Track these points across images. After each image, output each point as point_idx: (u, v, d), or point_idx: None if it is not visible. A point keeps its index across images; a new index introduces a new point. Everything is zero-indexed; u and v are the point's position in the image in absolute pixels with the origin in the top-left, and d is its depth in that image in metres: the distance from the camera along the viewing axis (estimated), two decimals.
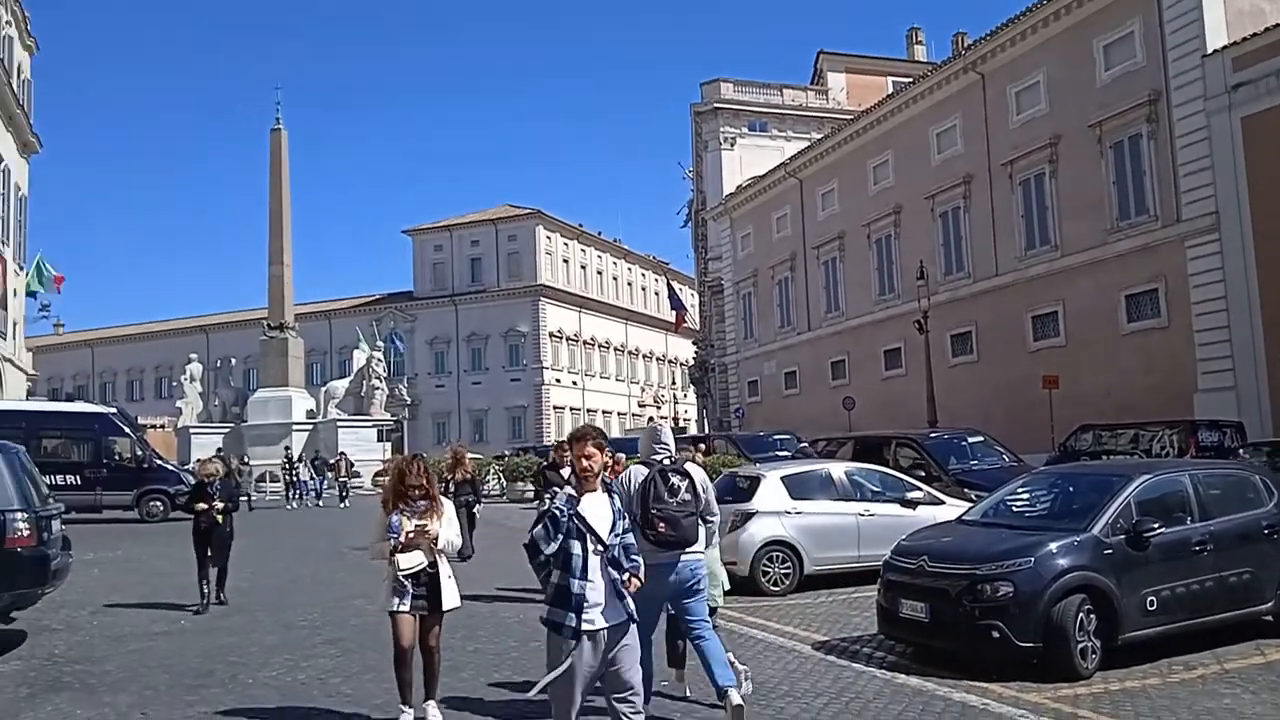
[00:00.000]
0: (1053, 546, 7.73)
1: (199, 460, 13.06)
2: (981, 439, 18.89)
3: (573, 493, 4.97)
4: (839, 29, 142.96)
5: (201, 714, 6.99)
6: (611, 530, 4.95)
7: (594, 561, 4.85)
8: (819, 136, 44.60)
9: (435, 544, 6.40)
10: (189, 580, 11.32)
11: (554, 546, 4.80)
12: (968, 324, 32.75)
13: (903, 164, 36.39)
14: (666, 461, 6.56)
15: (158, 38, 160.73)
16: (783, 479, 12.69)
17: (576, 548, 4.82)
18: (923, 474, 15.90)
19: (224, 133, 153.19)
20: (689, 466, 6.73)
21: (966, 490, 14.97)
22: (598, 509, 4.96)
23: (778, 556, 12.02)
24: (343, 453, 36.32)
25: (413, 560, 6.31)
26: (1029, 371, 28.36)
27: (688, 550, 6.38)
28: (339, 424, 44.91)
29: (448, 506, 6.65)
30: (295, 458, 36.23)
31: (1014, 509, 9.32)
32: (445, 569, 6.49)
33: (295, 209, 48.48)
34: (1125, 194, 26.73)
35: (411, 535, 6.31)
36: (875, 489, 13.04)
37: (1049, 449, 22.56)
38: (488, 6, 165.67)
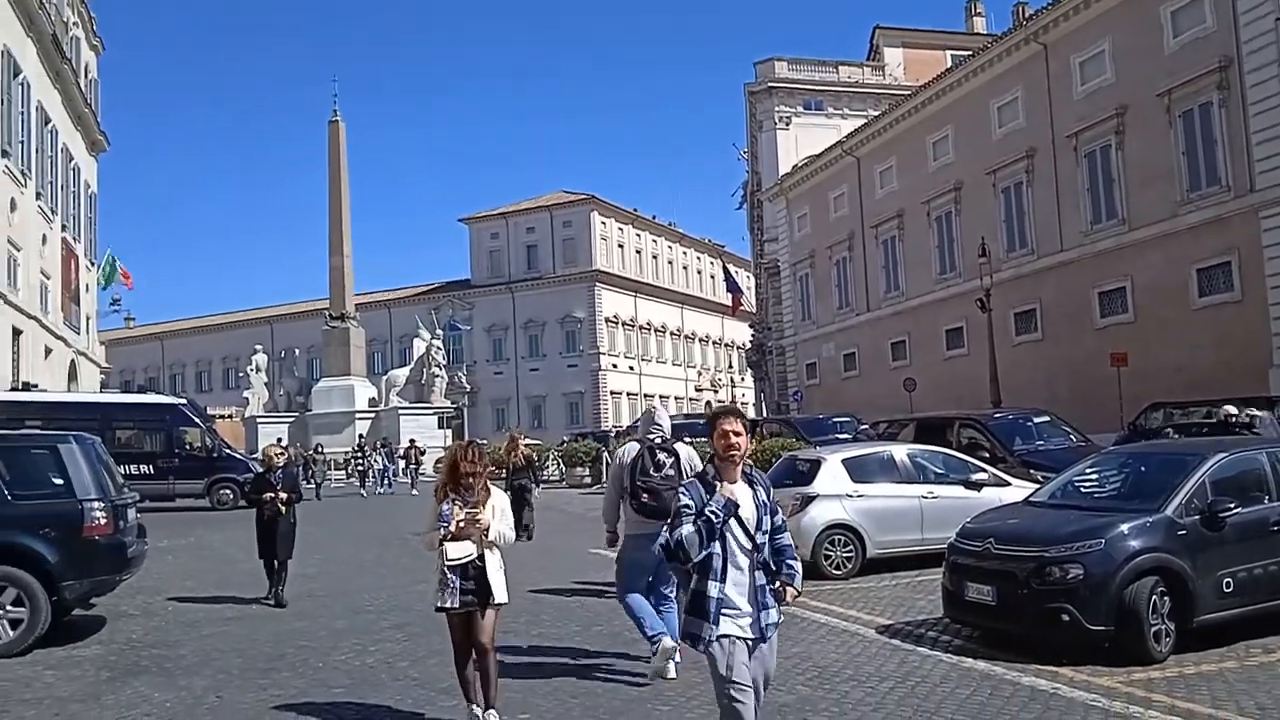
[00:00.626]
0: (1124, 528, 7.55)
1: (266, 447, 12.61)
2: (1048, 419, 18.51)
3: (713, 489, 4.32)
4: (895, 4, 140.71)
5: (274, 697, 7.15)
6: (759, 527, 4.35)
7: (737, 563, 4.28)
8: (876, 113, 43.93)
9: (486, 535, 6.06)
10: (258, 567, 11.50)
11: (704, 554, 4.21)
12: (1032, 301, 32.11)
13: (963, 139, 35.73)
14: (658, 441, 7.50)
15: (215, 33, 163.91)
16: (844, 462, 12.57)
17: (716, 546, 4.23)
18: (987, 455, 15.63)
19: (282, 124, 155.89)
20: (678, 446, 7.56)
21: (1032, 471, 14.67)
22: (740, 501, 4.34)
23: (839, 540, 11.91)
24: (412, 440, 36.55)
25: (462, 550, 5.99)
26: (1096, 349, 27.73)
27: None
28: (400, 412, 45.56)
29: (501, 497, 6.31)
30: (369, 445, 36.28)
31: (1083, 490, 9.13)
32: (495, 562, 6.12)
33: (353, 199, 49.18)
34: (1195, 164, 25.94)
35: (462, 525, 6.01)
36: (938, 471, 12.86)
37: (1117, 428, 22.06)
38: None
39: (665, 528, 5.26)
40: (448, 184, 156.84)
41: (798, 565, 4.63)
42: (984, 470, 12.96)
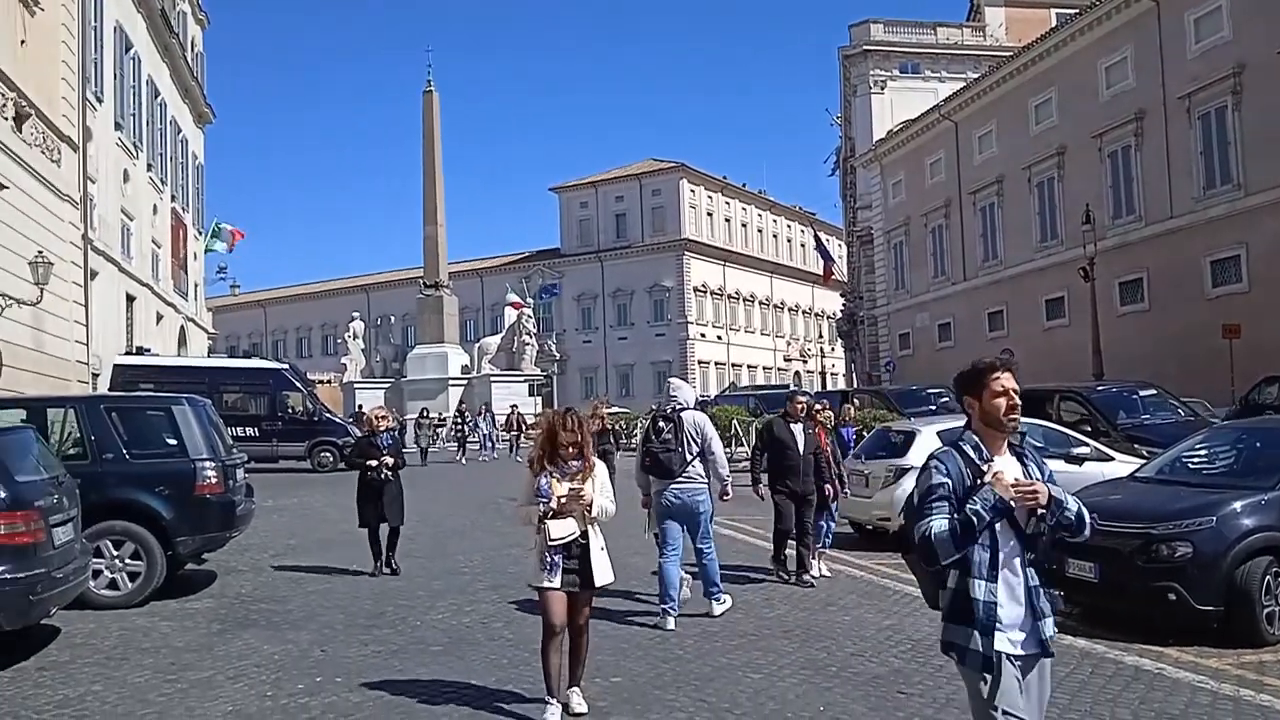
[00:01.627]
0: (1237, 505, 7.29)
1: (370, 411, 11.87)
2: (1154, 392, 17.86)
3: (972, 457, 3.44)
4: None
5: (375, 653, 7.39)
6: (1033, 513, 3.37)
7: (1008, 559, 3.36)
8: (975, 76, 42.64)
9: (589, 511, 5.67)
10: (357, 528, 11.74)
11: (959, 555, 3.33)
12: (1138, 270, 30.90)
13: (1067, 101, 34.43)
14: (667, 410, 8.45)
15: (313, 4, 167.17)
16: (939, 434, 12.32)
17: (984, 536, 3.33)
18: (1089, 429, 15.17)
19: (379, 93, 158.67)
20: (683, 413, 8.35)
21: (1137, 446, 14.19)
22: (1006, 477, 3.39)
23: None
24: (514, 406, 36.62)
25: (564, 529, 5.59)
26: (1206, 320, 26.56)
27: (675, 480, 8.17)
28: (492, 379, 46.29)
29: (601, 469, 5.86)
30: (470, 410, 35.50)
31: (1192, 466, 8.82)
32: (597, 539, 5.74)
33: (446, 168, 49.84)
34: None
35: (564, 501, 5.60)
36: (1038, 444, 12.48)
37: (1228, 403, 21.15)
38: None
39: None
40: (539, 153, 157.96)
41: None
42: (1086, 444, 12.59)
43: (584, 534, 5.71)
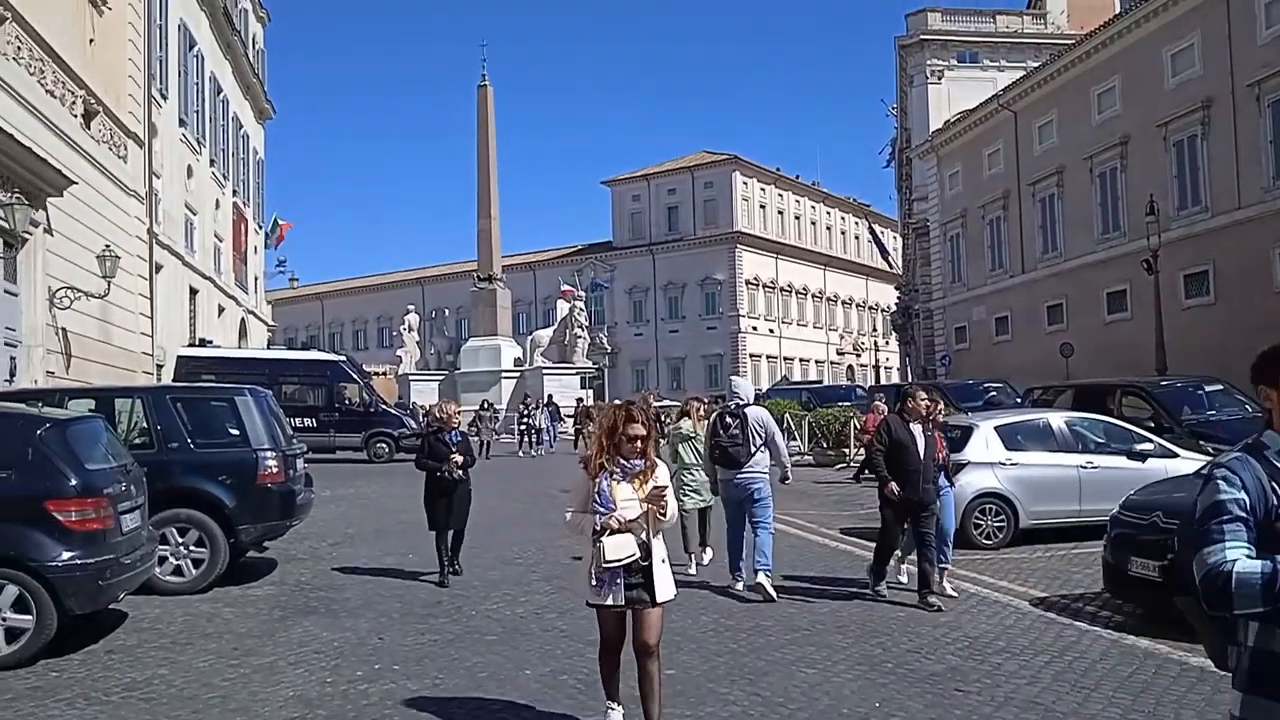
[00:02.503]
0: None
1: (434, 404, 10.81)
2: (1220, 387, 17.42)
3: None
4: None
5: (431, 641, 7.49)
6: None
7: None
8: (1036, 65, 41.81)
9: (662, 515, 4.98)
10: (416, 517, 11.85)
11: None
12: (1204, 262, 30.11)
13: (1131, 90, 33.63)
14: (732, 406, 9.33)
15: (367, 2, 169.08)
16: (996, 428, 12.17)
17: None
18: (1152, 425, 14.82)
19: (433, 87, 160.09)
20: (747, 409, 9.28)
21: (1202, 443, 13.85)
22: None
23: (991, 509, 11.58)
24: (580, 399, 36.17)
25: (622, 550, 4.87)
26: (1276, 312, 25.79)
27: (742, 470, 9.10)
28: (544, 371, 46.48)
29: (663, 469, 5.17)
30: (533, 403, 34.21)
31: None
32: (660, 551, 5.05)
33: (499, 161, 50.07)
34: None
35: (629, 521, 4.92)
36: (1099, 440, 12.31)
37: None
38: None
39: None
40: (592, 146, 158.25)
41: None
42: (1149, 440, 12.32)
43: (647, 547, 4.97)
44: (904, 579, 9.19)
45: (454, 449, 9.80)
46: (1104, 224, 35.34)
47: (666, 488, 5.06)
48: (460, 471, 9.77)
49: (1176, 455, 11.96)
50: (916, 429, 8.76)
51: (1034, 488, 11.65)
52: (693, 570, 9.90)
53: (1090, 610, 8.31)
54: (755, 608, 8.48)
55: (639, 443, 5.02)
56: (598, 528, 4.91)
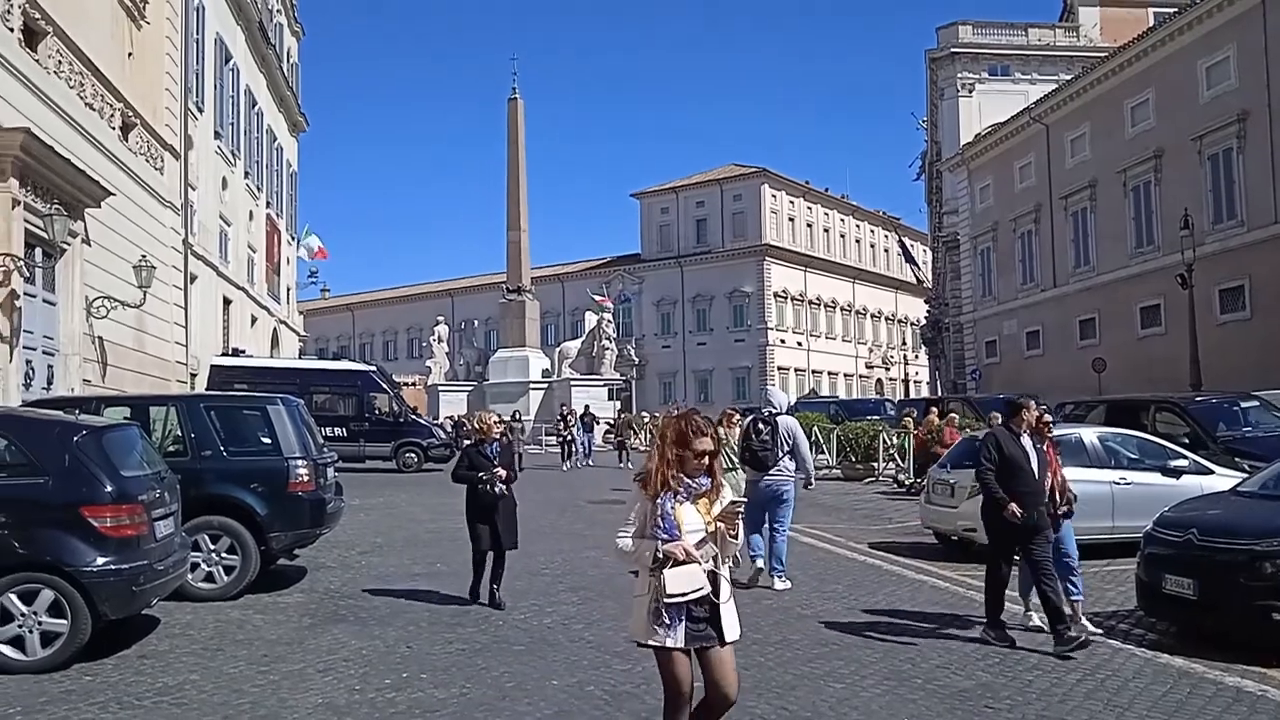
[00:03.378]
0: None
1: (479, 416, 9.90)
2: (1257, 403, 17.14)
3: None
4: None
5: (459, 650, 7.51)
6: None
7: None
8: (1068, 78, 41.53)
9: (733, 534, 4.26)
10: (443, 527, 11.93)
11: None
12: (1240, 277, 29.72)
13: (1165, 103, 33.32)
14: (765, 413, 10.08)
15: (397, 13, 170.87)
16: None
17: None
18: (1187, 442, 14.62)
19: (464, 100, 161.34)
20: (779, 418, 10.06)
21: (1238, 460, 13.63)
22: None
23: None
24: (622, 410, 35.48)
25: (687, 583, 4.15)
26: None
27: (769, 473, 9.87)
28: (572, 383, 46.65)
29: (727, 489, 4.48)
30: (571, 414, 32.61)
31: None
32: (725, 588, 4.28)
33: (529, 174, 50.37)
34: None
35: (695, 552, 4.18)
36: (1132, 456, 12.14)
37: None
38: None
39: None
40: (620, 159, 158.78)
41: None
42: (1184, 456, 12.14)
43: (714, 579, 4.23)
44: (1036, 620, 8.04)
45: (495, 461, 9.09)
46: (1137, 238, 35.00)
47: (742, 504, 4.46)
48: (503, 485, 9.04)
49: (1212, 472, 11.78)
50: (1028, 443, 7.91)
51: None
52: (761, 581, 10.21)
53: (1123, 628, 8.20)
54: (784, 621, 8.44)
55: (706, 459, 4.32)
56: (659, 555, 4.16)
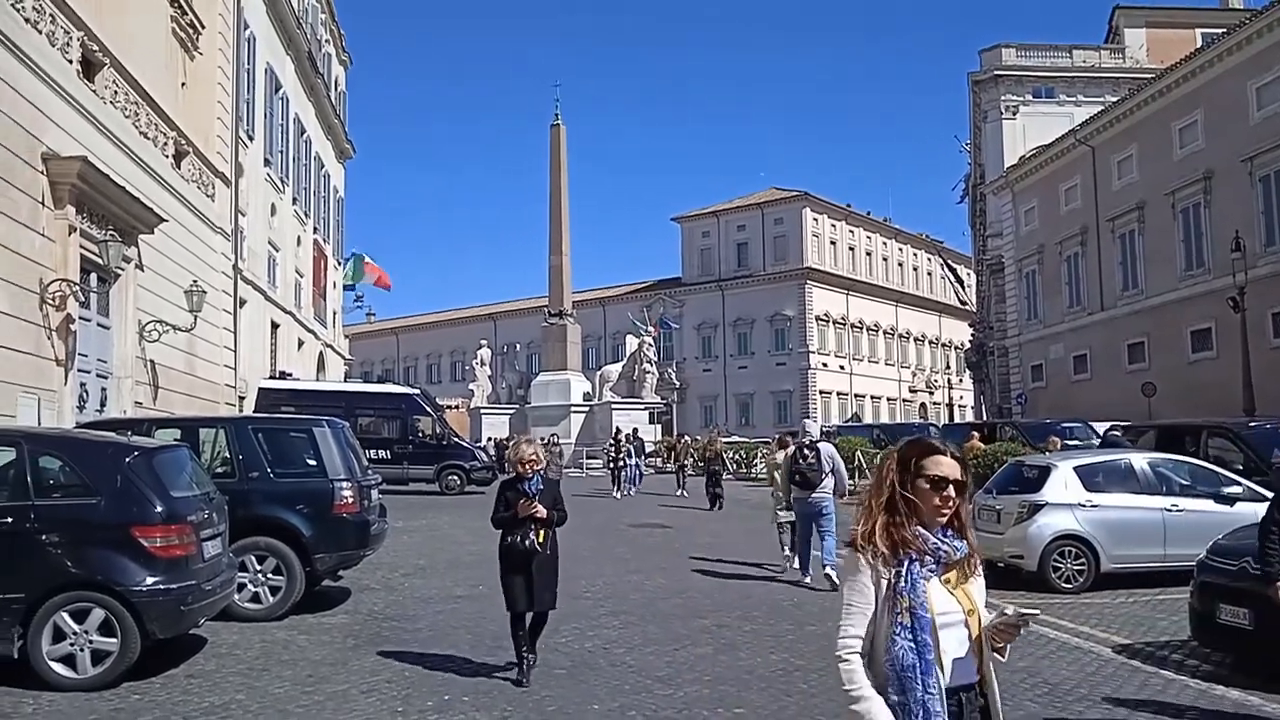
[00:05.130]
0: None
1: (516, 445, 8.08)
2: None
3: None
4: None
5: (501, 674, 7.50)
6: None
7: None
8: (1114, 99, 41.08)
9: (1012, 631, 2.87)
10: (483, 551, 11.83)
11: None
12: None
13: (1214, 124, 32.82)
14: (806, 441, 12.18)
15: (442, 40, 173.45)
16: (1076, 469, 11.86)
17: None
18: (1240, 469, 14.29)
19: (507, 126, 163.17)
20: (820, 445, 12.17)
21: None
22: None
23: (1070, 552, 11.27)
24: (683, 434, 34.16)
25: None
26: None
27: (815, 492, 11.76)
28: (613, 406, 46.66)
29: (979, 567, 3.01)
30: (624, 437, 29.72)
31: None
32: (995, 689, 2.91)
33: (570, 197, 50.70)
34: None
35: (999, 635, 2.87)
36: (1184, 482, 11.91)
37: None
38: None
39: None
40: (661, 183, 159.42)
41: None
42: (1238, 483, 11.89)
43: (981, 670, 2.87)
44: None
45: (533, 499, 7.17)
46: (1187, 260, 34.41)
47: (1035, 614, 2.97)
48: (538, 536, 7.16)
49: (1267, 499, 11.49)
50: None
51: (1116, 530, 11.31)
52: (796, 576, 12.07)
53: (1176, 658, 8.02)
54: (825, 649, 8.31)
55: (950, 495, 2.83)
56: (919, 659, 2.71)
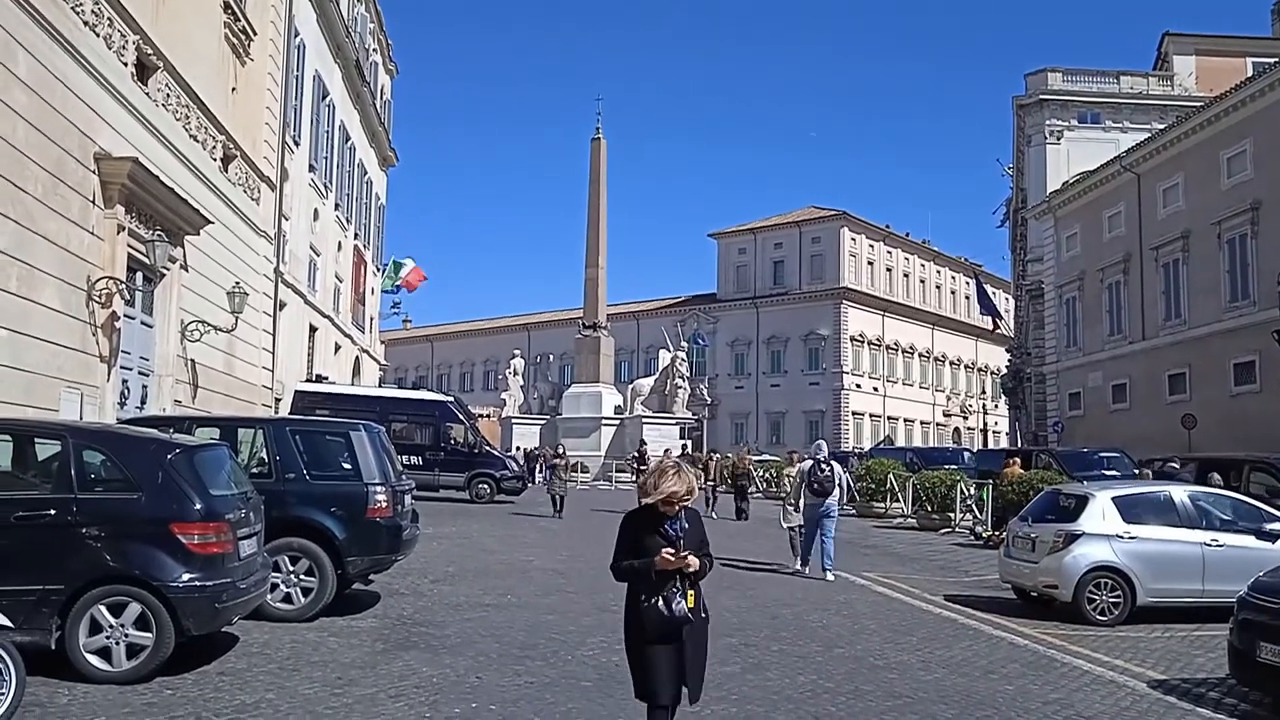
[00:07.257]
0: None
1: (653, 470, 5.21)
2: None
3: None
4: (1187, 9, 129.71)
5: (527, 684, 7.52)
6: None
7: None
8: (1162, 126, 40.61)
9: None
10: (512, 560, 11.95)
11: None
12: None
13: (1264, 153, 32.31)
14: (821, 458, 14.64)
15: (482, 53, 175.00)
16: (1114, 499, 11.69)
17: None
18: None
19: (548, 137, 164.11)
20: (832, 463, 14.93)
21: None
22: None
23: (1106, 584, 11.09)
24: (712, 450, 32.56)
25: None
26: None
27: (826, 500, 14.36)
28: (644, 420, 46.66)
29: None
30: (650, 451, 29.08)
31: None
32: None
33: (608, 212, 50.92)
34: None
35: None
36: (1225, 517, 11.70)
37: None
38: (789, 4, 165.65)
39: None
40: (699, 199, 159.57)
41: None
42: None
43: None
44: None
45: (681, 543, 4.93)
46: (1232, 291, 33.86)
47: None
48: (686, 599, 4.91)
49: None
50: None
51: (1153, 563, 11.13)
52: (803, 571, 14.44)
53: (1214, 696, 7.86)
54: (856, 671, 8.28)
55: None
56: None
